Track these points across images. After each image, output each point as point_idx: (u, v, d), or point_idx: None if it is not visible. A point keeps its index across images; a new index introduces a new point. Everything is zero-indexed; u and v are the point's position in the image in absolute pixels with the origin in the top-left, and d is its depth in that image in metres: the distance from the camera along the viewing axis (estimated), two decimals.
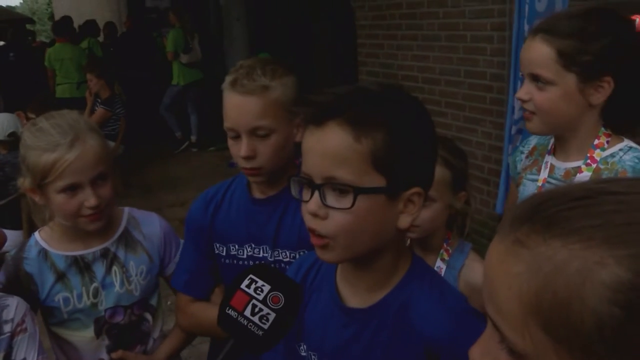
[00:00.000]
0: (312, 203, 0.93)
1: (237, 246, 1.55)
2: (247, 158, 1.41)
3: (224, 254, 1.57)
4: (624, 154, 1.43)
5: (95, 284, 1.53)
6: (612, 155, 1.44)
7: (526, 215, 0.60)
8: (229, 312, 0.96)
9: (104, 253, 1.55)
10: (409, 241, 1.57)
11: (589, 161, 1.46)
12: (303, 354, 1.11)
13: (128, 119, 6.39)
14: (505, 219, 0.62)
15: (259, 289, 0.96)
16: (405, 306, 1.00)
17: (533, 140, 1.68)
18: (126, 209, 1.64)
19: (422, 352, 0.98)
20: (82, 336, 1.55)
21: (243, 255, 1.55)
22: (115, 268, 1.55)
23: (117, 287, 1.55)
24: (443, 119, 4.33)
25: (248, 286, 0.97)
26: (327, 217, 0.93)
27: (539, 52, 1.40)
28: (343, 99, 0.94)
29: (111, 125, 6.10)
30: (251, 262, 1.52)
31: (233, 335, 0.96)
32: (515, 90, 2.82)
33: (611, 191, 0.58)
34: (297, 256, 1.46)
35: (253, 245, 1.53)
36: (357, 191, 0.91)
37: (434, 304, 0.99)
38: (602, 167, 1.44)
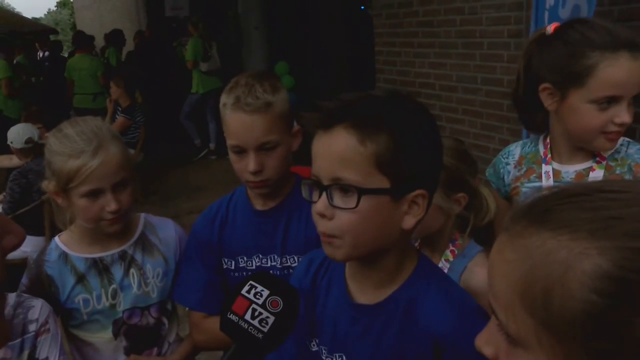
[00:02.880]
0: (319, 203, 0.98)
1: (245, 258, 1.58)
2: (256, 172, 1.45)
3: (233, 267, 1.60)
4: (627, 148, 1.49)
5: (113, 286, 1.57)
6: (617, 152, 1.49)
7: (526, 210, 0.65)
8: (231, 316, 1.00)
9: (122, 255, 1.59)
10: (417, 242, 1.58)
11: (598, 159, 1.49)
12: (314, 349, 1.14)
13: (148, 127, 6.48)
14: (507, 215, 0.67)
15: (259, 294, 1.01)
16: (412, 303, 1.04)
17: (516, 150, 1.69)
18: (142, 215, 1.68)
19: (428, 347, 1.01)
20: (101, 337, 1.59)
21: (252, 266, 1.58)
22: (132, 270, 1.59)
23: (134, 289, 1.59)
24: (460, 126, 4.32)
25: (248, 292, 1.01)
26: (334, 217, 0.97)
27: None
28: (350, 105, 0.99)
29: (131, 133, 6.21)
30: None
31: (235, 339, 1.00)
32: None
33: (606, 189, 0.62)
34: None
35: (261, 256, 1.57)
36: (361, 192, 0.95)
37: (440, 301, 1.03)
38: (612, 164, 1.46)
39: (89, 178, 1.43)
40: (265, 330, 0.99)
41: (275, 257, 1.55)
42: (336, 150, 0.96)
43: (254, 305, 1.00)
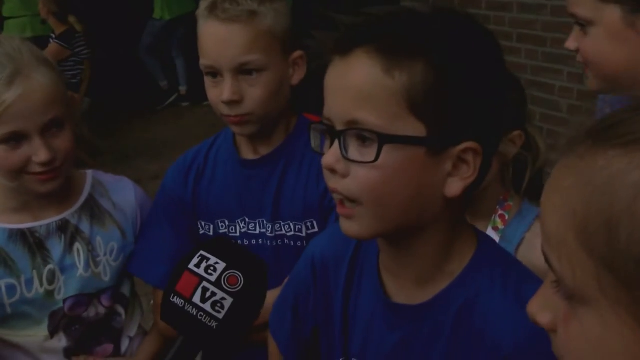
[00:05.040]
0: (329, 154, 0.96)
1: (227, 222, 1.61)
2: (231, 103, 1.46)
3: (211, 233, 1.63)
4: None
5: (50, 266, 1.55)
6: None
7: (590, 128, 0.67)
8: (174, 300, 1.00)
9: (62, 226, 1.57)
10: None
11: None
12: None
13: (95, 65, 6.42)
14: (565, 139, 0.69)
15: (211, 268, 1.00)
16: (470, 305, 1.01)
17: None
18: (90, 172, 1.67)
19: None
20: (32, 336, 1.57)
21: (235, 232, 1.60)
22: (78, 245, 1.58)
23: (80, 270, 1.57)
24: (515, 57, 4.31)
25: (197, 265, 1.01)
26: (349, 173, 0.95)
27: None
28: (376, 22, 0.98)
29: (70, 71, 6.12)
30: (246, 242, 1.58)
31: (180, 331, 1.00)
32: None
33: None
34: (304, 229, 1.53)
35: (247, 220, 1.59)
36: (384, 140, 0.92)
37: (509, 304, 0.99)
38: None
39: (5, 117, 1.39)
40: (221, 316, 0.98)
41: (265, 222, 1.57)
42: (354, 82, 0.95)
43: (205, 284, 1.00)
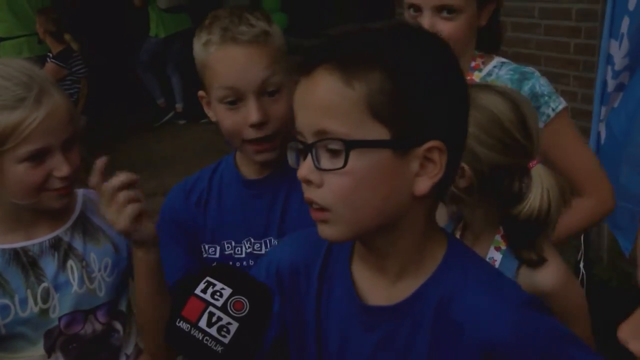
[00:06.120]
0: (303, 166, 1.01)
1: (233, 244, 1.60)
2: (260, 125, 1.46)
3: (217, 255, 1.62)
4: (499, 70, 1.92)
5: (44, 285, 1.54)
6: (489, 74, 1.90)
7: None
8: (180, 324, 1.01)
9: (55, 244, 1.57)
10: (459, 233, 1.59)
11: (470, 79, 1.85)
12: None
13: (93, 83, 6.42)
14: None
15: (218, 294, 1.02)
16: (447, 301, 1.04)
17: None
18: (80, 191, 1.67)
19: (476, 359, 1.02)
20: (29, 357, 1.56)
21: (241, 253, 1.60)
22: (71, 262, 1.58)
23: (75, 287, 1.57)
24: None
25: (204, 291, 1.02)
26: (323, 183, 1.00)
27: None
28: (334, 41, 1.03)
29: (68, 89, 6.09)
30: (252, 262, 1.56)
31: (186, 353, 1.01)
32: (612, 32, 2.74)
33: None
34: None
35: (252, 240, 1.59)
36: (350, 145, 0.96)
37: (485, 296, 1.04)
38: None
39: (34, 134, 1.42)
40: (227, 341, 0.99)
41: (273, 240, 1.56)
42: (318, 96, 0.99)
43: (211, 309, 1.01)
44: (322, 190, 1.00)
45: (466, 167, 1.44)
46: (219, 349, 0.99)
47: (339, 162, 0.97)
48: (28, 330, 1.54)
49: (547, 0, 4.04)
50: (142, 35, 8.03)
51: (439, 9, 1.78)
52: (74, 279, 1.57)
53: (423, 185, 1.01)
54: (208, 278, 1.04)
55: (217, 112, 1.52)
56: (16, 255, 1.54)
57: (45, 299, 1.54)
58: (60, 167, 1.46)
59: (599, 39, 3.18)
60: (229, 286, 1.03)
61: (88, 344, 1.60)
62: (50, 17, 6.23)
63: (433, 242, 1.09)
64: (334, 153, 0.98)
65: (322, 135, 0.98)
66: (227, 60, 1.47)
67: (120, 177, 1.35)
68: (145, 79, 8.10)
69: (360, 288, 1.12)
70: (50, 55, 6.18)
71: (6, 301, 1.52)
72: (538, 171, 1.47)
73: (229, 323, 1.00)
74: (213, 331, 1.00)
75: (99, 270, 1.60)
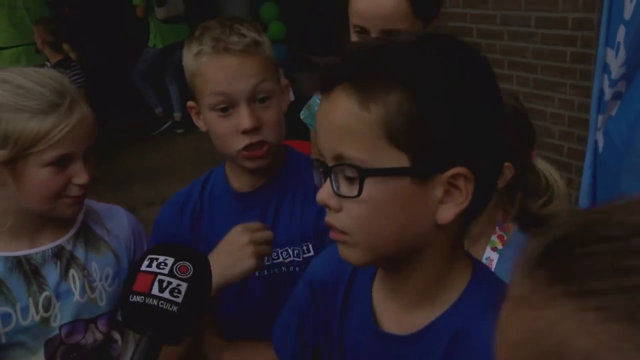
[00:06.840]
0: (321, 191, 0.98)
1: None
2: (253, 130, 1.48)
3: None
4: None
5: (46, 293, 1.54)
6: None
7: (537, 257, 0.56)
8: (135, 299, 1.08)
9: (58, 252, 1.57)
10: None
11: None
12: None
13: (90, 92, 6.42)
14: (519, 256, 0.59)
15: (162, 264, 1.11)
16: (461, 335, 0.98)
17: None
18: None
19: None
20: None
21: None
22: (73, 272, 1.58)
23: (76, 296, 1.57)
24: (507, 84, 4.29)
25: (149, 265, 1.11)
26: (342, 208, 0.96)
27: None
28: (351, 58, 0.97)
29: None
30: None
31: (145, 324, 1.07)
32: (608, 41, 2.75)
33: None
34: (300, 253, 1.55)
35: None
36: (364, 173, 0.92)
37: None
38: None
39: (62, 141, 1.44)
40: (180, 300, 1.07)
41: None
42: (335, 119, 0.95)
43: (160, 277, 1.09)
44: (340, 215, 0.96)
45: (510, 165, 1.46)
46: (174, 308, 1.06)
47: (355, 190, 0.92)
48: (28, 338, 1.54)
49: (544, 9, 4.05)
50: (141, 45, 8.04)
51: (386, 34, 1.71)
52: (75, 288, 1.57)
53: (447, 213, 0.94)
54: (149, 255, 1.13)
55: (208, 121, 1.54)
56: (19, 263, 1.54)
57: (46, 308, 1.54)
58: (80, 174, 1.49)
59: (595, 48, 3.19)
60: (170, 256, 1.12)
61: (88, 354, 1.59)
62: (48, 28, 6.26)
63: (457, 271, 1.02)
64: (350, 180, 0.94)
65: (340, 160, 0.94)
66: (219, 67, 1.49)
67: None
68: (143, 88, 8.12)
69: (377, 312, 1.08)
70: (48, 64, 6.19)
71: (8, 309, 1.52)
72: (544, 165, 1.53)
73: (178, 285, 1.08)
74: (166, 294, 1.07)
75: (100, 279, 1.61)
